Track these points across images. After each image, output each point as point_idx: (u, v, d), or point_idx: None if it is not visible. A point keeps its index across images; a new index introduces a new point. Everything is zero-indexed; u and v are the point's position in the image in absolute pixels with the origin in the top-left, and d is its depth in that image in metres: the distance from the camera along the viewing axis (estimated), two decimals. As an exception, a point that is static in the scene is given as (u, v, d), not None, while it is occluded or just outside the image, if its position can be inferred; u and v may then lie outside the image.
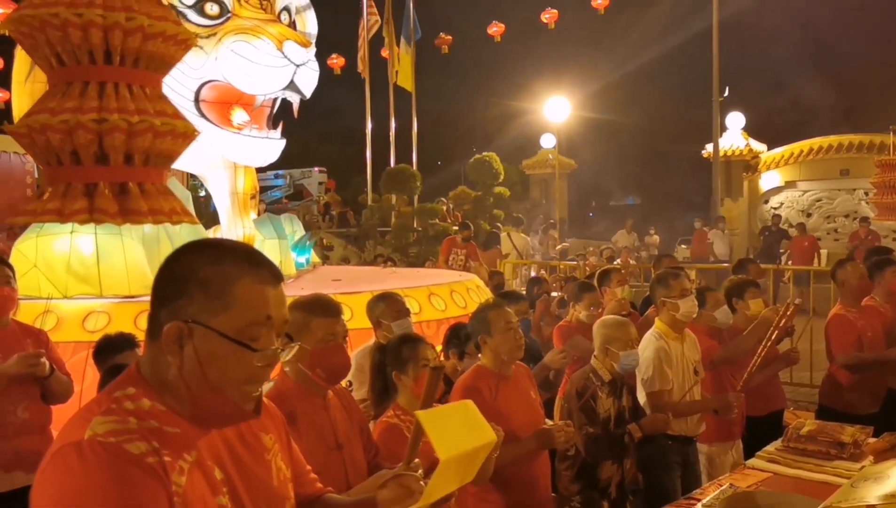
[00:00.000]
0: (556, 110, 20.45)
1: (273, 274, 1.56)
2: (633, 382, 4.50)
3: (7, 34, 4.82)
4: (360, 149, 23.60)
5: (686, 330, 4.69)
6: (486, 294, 7.45)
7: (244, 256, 1.54)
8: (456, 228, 19.72)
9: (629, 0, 24.52)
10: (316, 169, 33.99)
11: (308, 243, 9.06)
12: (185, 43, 4.35)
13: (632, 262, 15.03)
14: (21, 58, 6.73)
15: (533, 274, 12.80)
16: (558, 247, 17.68)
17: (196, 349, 1.47)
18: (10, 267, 4.04)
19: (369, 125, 22.33)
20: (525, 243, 16.72)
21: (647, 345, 4.54)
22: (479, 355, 3.79)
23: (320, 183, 34.13)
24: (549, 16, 22.60)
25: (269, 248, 7.59)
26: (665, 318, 4.65)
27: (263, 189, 20.19)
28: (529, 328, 6.06)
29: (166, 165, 4.41)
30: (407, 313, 4.59)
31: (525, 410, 3.67)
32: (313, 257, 9.36)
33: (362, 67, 21.68)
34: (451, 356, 4.52)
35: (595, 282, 5.92)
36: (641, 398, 4.51)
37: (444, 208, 20.44)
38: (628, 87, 33.50)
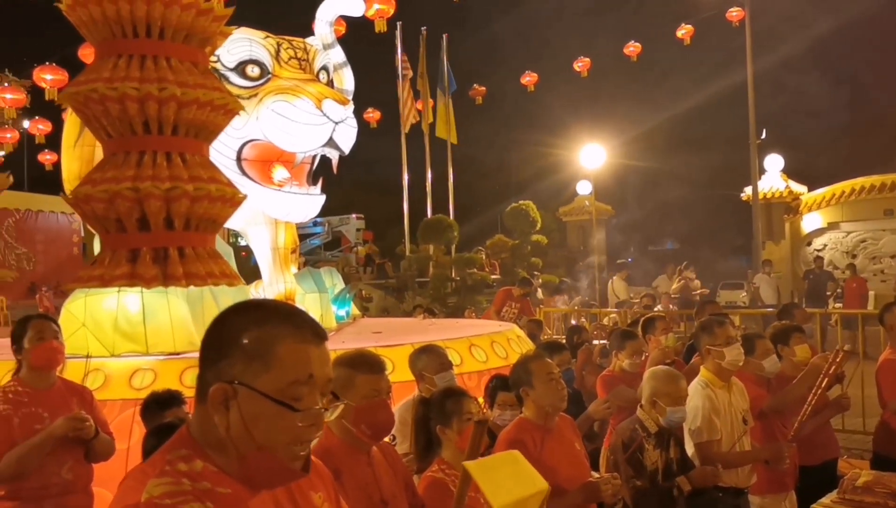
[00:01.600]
0: (591, 157, 20.49)
1: (316, 333, 1.56)
2: (680, 433, 4.41)
3: (57, 101, 5.02)
4: (396, 200, 23.85)
5: (733, 378, 4.61)
6: (527, 344, 7.41)
7: (287, 316, 1.56)
8: (495, 277, 19.75)
9: (661, 47, 24.61)
10: (354, 216, 34.30)
11: (348, 295, 9.12)
12: (231, 111, 4.49)
13: (672, 307, 14.84)
14: (71, 123, 6.96)
15: (573, 322, 12.71)
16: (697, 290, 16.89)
17: (241, 409, 1.49)
18: (57, 324, 4.13)
19: (406, 176, 22.57)
20: (626, 290, 16.29)
21: (694, 394, 4.46)
22: (522, 407, 3.76)
23: (358, 229, 34.42)
24: (581, 64, 22.80)
25: (310, 302, 7.65)
26: (711, 366, 4.57)
27: (302, 237, 20.40)
28: (572, 378, 6.00)
29: (212, 230, 4.52)
30: (449, 365, 4.58)
31: (570, 463, 3.62)
32: (353, 309, 9.42)
33: (407, 121, 21.92)
34: (492, 409, 4.49)
35: (639, 329, 5.86)
36: (689, 449, 4.42)
37: (482, 257, 20.46)
38: (664, 131, 33.56)
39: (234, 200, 4.50)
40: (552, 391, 3.63)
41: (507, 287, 13.53)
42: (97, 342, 5.82)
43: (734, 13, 19.87)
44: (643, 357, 5.44)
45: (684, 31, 21.08)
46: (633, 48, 21.54)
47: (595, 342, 7.95)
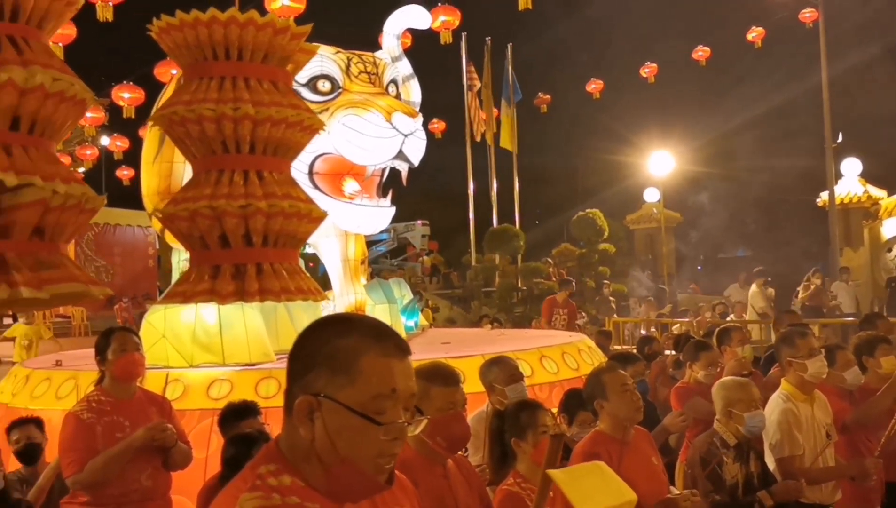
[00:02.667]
0: (659, 164, 20.20)
1: (399, 347, 1.57)
2: (761, 446, 4.30)
3: (150, 123, 5.21)
4: (461, 209, 23.88)
5: (815, 391, 4.47)
6: (598, 355, 7.33)
7: (370, 329, 1.57)
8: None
9: (731, 51, 24.14)
10: (419, 222, 34.43)
11: (416, 306, 9.17)
12: (308, 128, 4.57)
13: (746, 317, 14.48)
14: (150, 140, 7.19)
15: (643, 332, 12.53)
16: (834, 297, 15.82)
17: (325, 422, 1.50)
18: (138, 336, 4.25)
19: (471, 186, 22.59)
20: (764, 299, 14.83)
21: (774, 408, 4.34)
22: (597, 420, 3.72)
23: (423, 236, 34.53)
24: (648, 70, 22.51)
25: (380, 313, 7.72)
26: (792, 379, 4.44)
27: (368, 244, 20.69)
28: (646, 390, 5.90)
29: (292, 246, 4.61)
30: (520, 377, 4.55)
31: (648, 477, 3.55)
32: (421, 319, 9.46)
33: (479, 130, 21.95)
34: (566, 422, 4.45)
35: (714, 340, 5.73)
36: (770, 463, 4.30)
37: (549, 266, 20.34)
38: (735, 137, 32.84)
39: (310, 216, 4.57)
40: (627, 402, 3.58)
41: (551, 296, 13.38)
42: (176, 353, 5.99)
43: (807, 14, 19.33)
44: (718, 369, 5.32)
45: (755, 34, 20.58)
46: (701, 52, 21.16)
47: (666, 352, 7.83)
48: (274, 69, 4.49)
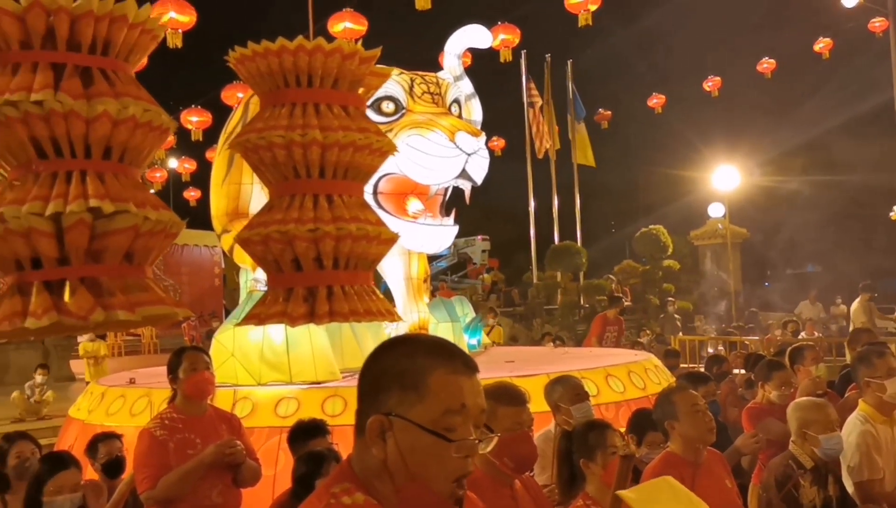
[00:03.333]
0: (724, 178, 19.83)
1: (467, 364, 1.58)
2: (839, 469, 4.16)
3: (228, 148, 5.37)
4: (521, 226, 23.84)
5: (895, 412, 4.31)
6: (665, 374, 7.20)
7: (437, 348, 1.59)
8: (626, 303, 19.34)
9: (798, 62, 23.61)
10: (479, 237, 34.42)
11: (479, 324, 9.16)
12: (378, 150, 4.64)
13: (817, 334, 14.07)
14: (219, 162, 7.38)
15: (710, 350, 12.27)
16: None
17: (397, 441, 1.51)
18: (209, 355, 4.34)
19: (532, 202, 22.52)
20: (868, 314, 14.04)
21: (852, 430, 4.20)
22: (668, 442, 3.65)
23: (483, 251, 34.49)
24: (711, 84, 22.17)
25: (443, 331, 7.75)
26: (870, 400, 4.29)
27: (429, 259, 20.80)
28: (718, 411, 5.76)
29: (364, 268, 4.68)
30: (586, 396, 4.50)
31: (722, 500, 3.47)
32: (484, 337, 9.44)
33: (541, 147, 21.91)
34: (634, 443, 4.38)
35: (786, 359, 5.58)
36: (849, 486, 4.15)
37: (612, 283, 20.11)
38: (803, 150, 32.07)
39: (379, 238, 4.62)
40: (699, 423, 3.51)
41: (601, 313, 13.17)
42: (245, 371, 6.11)
43: (877, 24, 18.80)
44: (792, 389, 5.17)
45: (823, 45, 20.07)
46: (767, 65, 20.75)
47: (735, 371, 7.65)
48: (344, 94, 4.57)
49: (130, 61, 3.74)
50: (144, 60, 4.05)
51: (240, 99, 13.97)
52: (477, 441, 1.55)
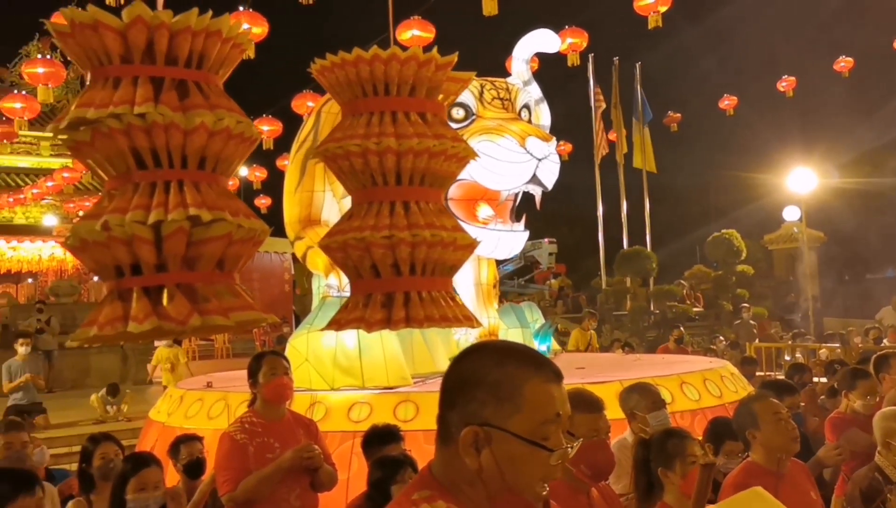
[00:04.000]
0: (800, 181, 19.27)
1: (556, 373, 1.58)
2: (930, 483, 3.99)
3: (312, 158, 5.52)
4: (589, 231, 23.60)
5: None
6: (742, 382, 7.04)
7: (527, 356, 1.59)
8: (697, 309, 18.99)
9: (876, 60, 22.82)
10: (546, 240, 34.16)
11: (549, 330, 9.09)
12: (454, 157, 4.67)
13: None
14: (291, 170, 7.52)
15: (787, 358, 11.93)
16: None
17: (493, 451, 1.51)
18: (287, 360, 4.41)
19: (600, 208, 22.28)
20: None
21: (943, 441, 4.03)
22: (749, 451, 3.56)
23: (550, 254, 34.24)
24: (786, 84, 21.58)
25: (513, 337, 7.71)
26: (962, 410, 4.12)
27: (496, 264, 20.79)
28: (802, 421, 5.59)
29: (443, 274, 4.72)
30: (663, 404, 4.43)
31: (806, 513, 3.38)
32: (553, 344, 9.37)
33: (601, 152, 21.70)
34: (712, 452, 4.28)
35: (870, 367, 5.39)
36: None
37: (683, 289, 19.75)
38: (883, 150, 30.94)
39: (455, 243, 4.64)
40: (782, 432, 3.41)
41: (664, 345, 12.92)
42: (318, 376, 6.20)
43: (962, 18, 18.04)
44: (877, 398, 4.99)
45: (902, 42, 19.34)
46: (843, 63, 20.08)
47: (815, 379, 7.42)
48: (421, 101, 4.62)
49: (220, 74, 3.86)
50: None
51: (310, 108, 14.25)
52: (570, 448, 1.55)
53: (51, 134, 29.02)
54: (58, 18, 10.10)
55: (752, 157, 32.53)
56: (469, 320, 4.79)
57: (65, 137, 3.68)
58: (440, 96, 4.75)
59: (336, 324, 4.68)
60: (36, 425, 10.21)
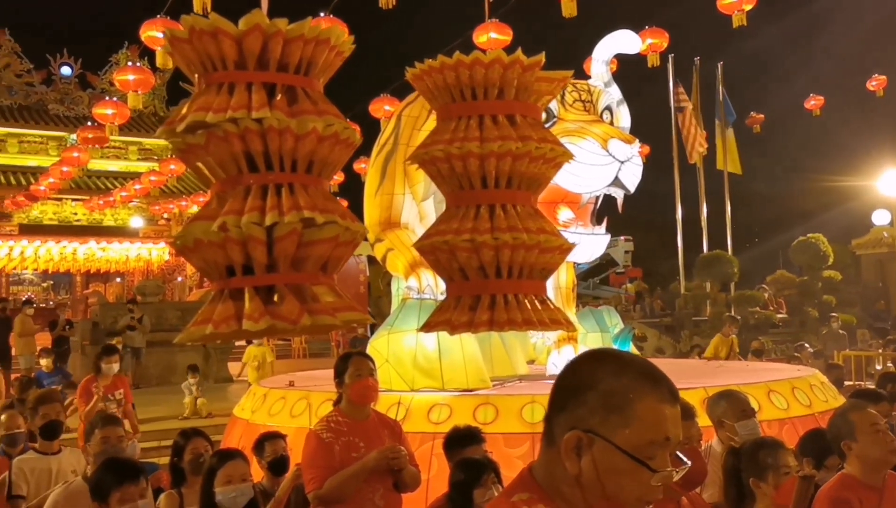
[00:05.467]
0: (891, 184, 18.54)
1: (672, 393, 1.54)
2: None
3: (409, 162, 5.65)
4: (666, 235, 23.16)
5: None
6: (832, 391, 6.79)
7: (645, 372, 1.54)
8: (780, 315, 18.43)
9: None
10: (622, 238, 33.63)
11: (628, 335, 8.95)
12: (550, 160, 4.66)
13: None
14: (372, 173, 7.61)
15: (878, 367, 11.48)
16: None
17: (595, 460, 1.49)
18: (373, 361, 4.46)
19: (679, 211, 21.83)
20: None
21: None
22: (844, 463, 3.43)
23: (626, 252, 33.74)
24: (876, 83, 20.77)
25: (592, 341, 7.63)
26: None
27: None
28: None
29: (540, 277, 4.72)
30: (752, 413, 4.32)
31: (908, 530, 3.24)
32: (632, 349, 9.23)
33: (691, 153, 21.27)
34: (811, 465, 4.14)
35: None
36: None
37: (766, 294, 19.20)
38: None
39: (545, 246, 4.63)
40: (879, 443, 3.29)
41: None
42: (398, 377, 6.25)
43: None
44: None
45: None
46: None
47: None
48: (510, 103, 4.62)
49: (320, 80, 3.95)
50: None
51: (387, 112, 14.41)
52: (674, 472, 1.51)
53: (139, 139, 30.18)
54: (150, 28, 10.50)
55: (839, 158, 31.49)
56: (558, 323, 4.75)
57: (177, 139, 3.81)
58: (533, 97, 4.73)
59: (427, 326, 4.73)
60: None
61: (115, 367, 8.02)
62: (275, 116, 3.62)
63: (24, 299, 26.03)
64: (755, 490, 3.23)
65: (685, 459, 1.58)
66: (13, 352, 15.86)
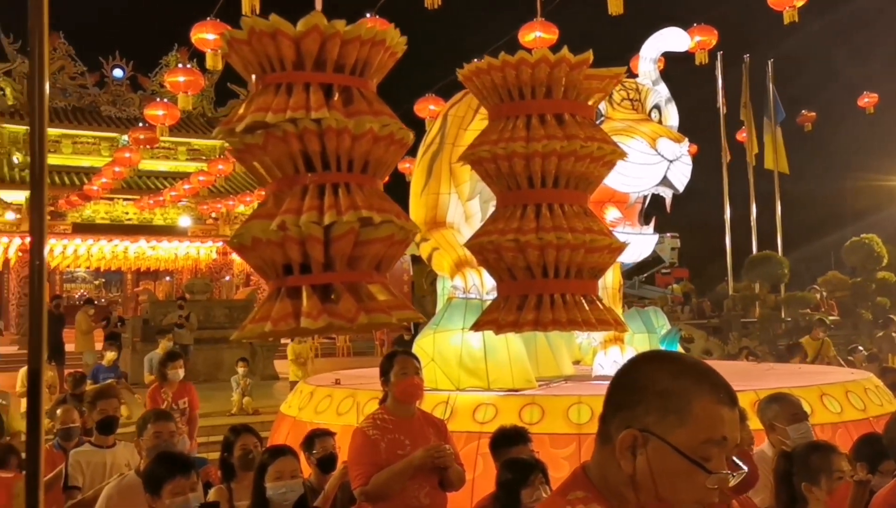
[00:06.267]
0: (949, 183, 18.00)
1: (730, 395, 1.52)
2: None
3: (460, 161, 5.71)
4: (712, 235, 22.80)
5: None
6: (888, 396, 6.64)
7: (703, 373, 1.53)
8: (832, 318, 18.02)
9: None
10: (668, 235, 33.16)
11: (675, 336, 8.85)
12: (600, 159, 4.64)
13: None
14: (418, 173, 7.63)
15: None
16: None
17: (649, 459, 1.48)
18: (418, 360, 4.48)
19: (728, 211, 21.48)
20: None
21: None
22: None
23: (672, 248, 33.29)
24: (933, 80, 20.24)
25: (639, 342, 7.55)
26: None
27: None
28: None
29: (589, 277, 4.71)
30: (804, 416, 4.25)
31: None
32: (679, 350, 9.11)
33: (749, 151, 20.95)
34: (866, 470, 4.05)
35: None
36: None
37: (817, 296, 18.80)
38: None
39: (591, 246, 4.60)
40: None
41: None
42: (444, 376, 6.27)
43: None
44: None
45: None
46: None
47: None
48: (558, 102, 4.62)
49: (374, 80, 3.99)
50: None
51: (432, 112, 14.45)
52: (730, 475, 1.49)
53: (188, 140, 30.72)
54: (200, 30, 10.68)
55: (893, 157, 30.63)
56: (606, 324, 4.72)
57: (234, 139, 3.87)
58: (582, 95, 4.70)
59: (475, 325, 4.76)
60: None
61: (181, 373, 7.83)
62: (333, 116, 3.66)
63: (84, 298, 26.66)
64: (808, 494, 3.17)
65: (742, 464, 1.56)
66: (67, 348, 16.25)
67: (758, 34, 22.14)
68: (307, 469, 4.80)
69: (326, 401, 6.61)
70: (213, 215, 29.90)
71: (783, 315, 18.39)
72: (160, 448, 4.03)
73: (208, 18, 10.83)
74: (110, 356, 12.08)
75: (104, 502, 3.99)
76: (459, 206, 7.33)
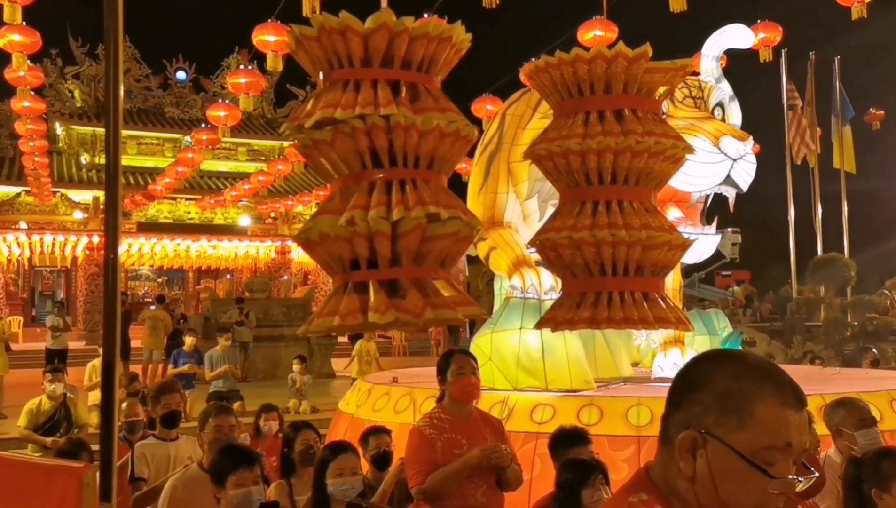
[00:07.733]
0: None
1: (797, 396, 1.46)
2: None
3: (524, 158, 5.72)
4: (775, 236, 22.27)
5: None
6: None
7: (766, 373, 1.47)
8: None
9: None
10: (729, 230, 32.49)
11: (737, 338, 8.68)
12: (670, 157, 4.58)
13: None
14: (475, 172, 7.63)
15: None
16: None
17: (709, 461, 1.44)
18: (475, 359, 4.47)
19: (791, 212, 20.97)
20: None
21: None
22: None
23: (733, 244, 32.55)
24: None
25: (700, 344, 7.42)
26: None
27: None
28: None
29: (654, 274, 4.65)
30: (873, 421, 4.13)
31: None
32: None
33: (799, 153, 20.48)
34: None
35: None
36: None
37: (887, 300, 18.25)
38: None
39: (648, 243, 4.54)
40: None
41: None
42: (501, 376, 6.25)
43: None
44: None
45: None
46: None
47: None
48: (617, 98, 4.58)
49: (439, 76, 4.01)
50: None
51: (489, 111, 14.43)
52: (797, 480, 1.43)
53: (248, 140, 31.26)
54: (261, 32, 10.85)
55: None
56: (666, 322, 4.64)
57: (302, 136, 3.92)
58: (644, 90, 4.64)
59: (538, 323, 4.75)
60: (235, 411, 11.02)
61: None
62: (401, 112, 3.68)
63: (156, 295, 27.35)
64: (877, 501, 3.08)
65: (812, 469, 1.51)
66: (133, 344, 16.67)
67: (824, 31, 21.53)
68: (364, 466, 4.85)
69: (384, 399, 6.64)
70: (272, 214, 30.37)
71: (849, 319, 17.89)
72: (221, 442, 4.10)
73: (269, 20, 11.00)
74: (190, 341, 12.43)
75: (168, 493, 4.08)
76: (517, 205, 7.30)
